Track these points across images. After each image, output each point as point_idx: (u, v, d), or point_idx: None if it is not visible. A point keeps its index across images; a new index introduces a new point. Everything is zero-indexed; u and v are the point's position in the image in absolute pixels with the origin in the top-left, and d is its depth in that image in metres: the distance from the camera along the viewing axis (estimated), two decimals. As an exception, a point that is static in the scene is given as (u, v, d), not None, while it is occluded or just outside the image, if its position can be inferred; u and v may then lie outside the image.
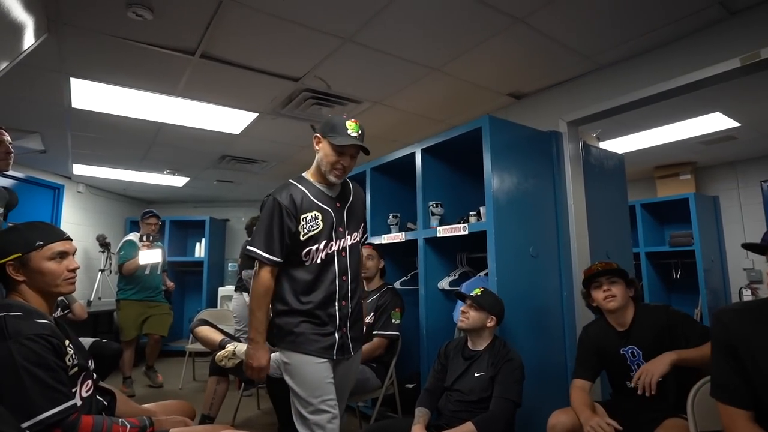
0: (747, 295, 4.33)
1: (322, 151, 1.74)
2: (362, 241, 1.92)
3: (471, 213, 2.60)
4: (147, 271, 4.17)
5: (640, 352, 1.83)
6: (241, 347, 2.77)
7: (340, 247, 1.76)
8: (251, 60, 2.55)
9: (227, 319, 4.39)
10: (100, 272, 5.27)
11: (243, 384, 3.47)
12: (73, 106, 3.10)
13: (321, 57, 2.51)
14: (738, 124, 3.57)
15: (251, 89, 2.92)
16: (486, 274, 2.54)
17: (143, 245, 4.11)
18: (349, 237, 1.79)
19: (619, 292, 1.87)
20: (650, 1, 2.05)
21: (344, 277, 1.75)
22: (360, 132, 1.72)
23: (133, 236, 4.25)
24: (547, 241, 2.57)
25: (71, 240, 1.48)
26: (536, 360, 2.33)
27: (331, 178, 1.73)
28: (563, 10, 2.09)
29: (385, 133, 3.84)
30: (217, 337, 2.98)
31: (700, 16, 2.15)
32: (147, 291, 4.19)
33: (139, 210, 6.75)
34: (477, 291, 2.07)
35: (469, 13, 2.11)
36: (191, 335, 3.21)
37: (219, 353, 2.77)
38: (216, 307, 5.76)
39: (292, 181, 1.78)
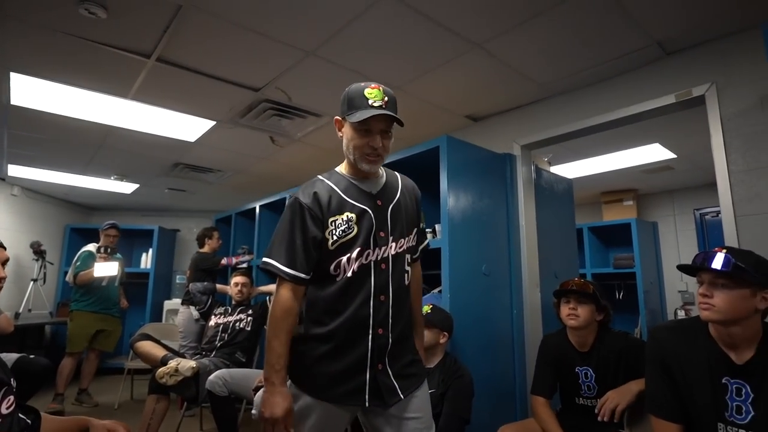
0: (681, 316, 4.61)
1: (346, 136, 1.37)
2: (416, 254, 1.50)
3: (427, 230, 2.63)
4: (104, 283, 4.00)
5: (594, 375, 1.89)
6: (185, 363, 2.65)
7: (380, 257, 1.33)
8: (211, 67, 2.50)
9: (172, 334, 4.18)
10: (32, 282, 4.90)
11: (185, 403, 3.30)
12: (12, 102, 2.91)
13: (283, 68, 2.50)
14: (675, 156, 3.85)
15: (209, 97, 2.85)
16: (440, 291, 2.56)
17: (100, 257, 3.97)
18: (393, 244, 1.36)
19: (584, 313, 1.89)
20: (597, 38, 2.19)
21: (383, 297, 1.32)
22: (386, 99, 1.32)
23: (92, 247, 4.07)
24: (499, 260, 2.64)
25: (4, 248, 1.37)
26: (486, 376, 2.36)
27: (364, 167, 1.35)
28: (519, 39, 2.20)
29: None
30: (160, 352, 2.84)
31: (641, 55, 2.32)
32: (102, 303, 4.02)
33: (82, 217, 6.42)
34: (426, 309, 2.04)
35: (431, 36, 2.17)
36: (131, 351, 3.03)
37: (160, 369, 2.63)
38: (161, 321, 5.48)
39: (320, 176, 1.43)
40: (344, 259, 1.31)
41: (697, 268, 1.31)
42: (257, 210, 4.25)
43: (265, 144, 3.74)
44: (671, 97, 2.26)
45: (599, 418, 1.70)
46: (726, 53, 2.12)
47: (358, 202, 1.36)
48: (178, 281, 6.22)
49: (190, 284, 3.75)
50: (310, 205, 1.32)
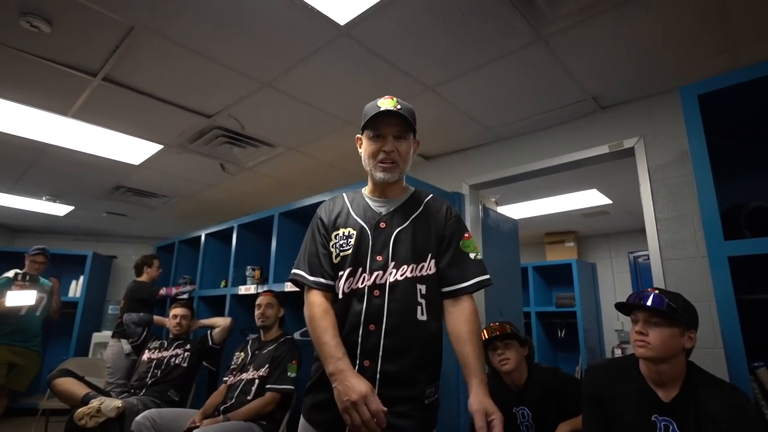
0: (618, 354, 4.82)
1: (363, 149, 1.35)
2: (457, 286, 1.30)
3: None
4: (22, 312, 3.59)
5: (530, 414, 1.92)
6: (109, 403, 2.43)
7: (374, 283, 1.25)
8: (161, 90, 2.44)
9: (98, 370, 3.85)
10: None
11: (107, 448, 3.00)
12: (-66, 113, 2.69)
13: (237, 97, 2.48)
14: (610, 201, 4.12)
15: (158, 120, 2.77)
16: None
17: (16, 285, 3.56)
18: (395, 271, 1.25)
19: (512, 354, 1.94)
20: (539, 89, 2.35)
21: (372, 327, 1.22)
22: (398, 106, 1.30)
23: (11, 273, 3.67)
24: (446, 296, 2.66)
25: None
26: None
27: (379, 175, 1.30)
28: (468, 85, 2.32)
29: (298, 179, 3.82)
30: (81, 390, 2.60)
31: (578, 107, 2.51)
32: (18, 335, 3.58)
33: (4, 239, 5.89)
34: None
35: (385, 76, 2.24)
36: (48, 388, 2.75)
37: (80, 410, 2.40)
38: (87, 355, 5.03)
39: (345, 192, 1.45)
40: (341, 276, 1.29)
41: (634, 306, 1.38)
42: (203, 238, 4.08)
43: (214, 171, 3.65)
44: (605, 147, 2.44)
45: None
46: (653, 110, 2.33)
47: (361, 220, 1.33)
48: (110, 312, 5.77)
49: (125, 314, 3.50)
50: (322, 217, 1.37)
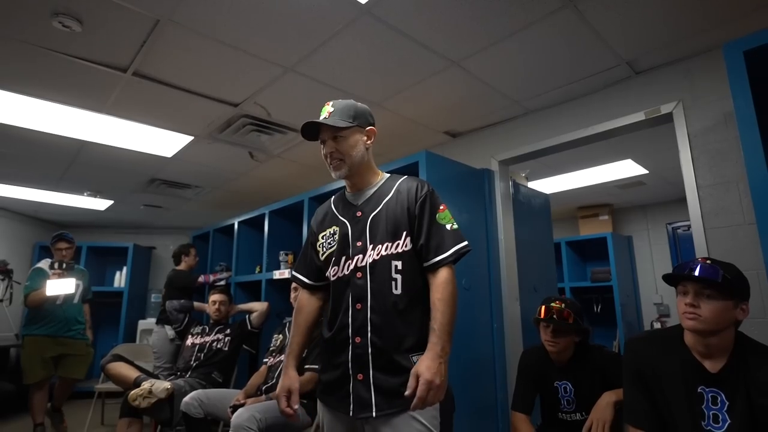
0: (657, 327, 4.70)
1: None
2: (433, 258, 1.35)
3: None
4: (59, 302, 3.53)
5: (573, 389, 1.90)
6: (159, 384, 2.56)
7: (356, 266, 1.38)
8: (189, 82, 2.48)
9: (146, 355, 4.05)
10: (-2, 303, 4.68)
11: (159, 426, 3.18)
12: (-20, 117, 2.83)
13: (262, 84, 2.50)
14: (646, 171, 3.97)
15: (187, 112, 2.82)
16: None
17: (53, 274, 3.46)
18: (372, 252, 1.37)
19: (562, 341, 1.89)
20: (568, 57, 2.26)
21: (359, 306, 1.35)
22: (331, 110, 1.44)
23: (44, 264, 3.62)
24: (479, 274, 2.65)
25: None
26: (467, 391, 2.35)
27: (334, 174, 1.46)
28: (495, 57, 2.25)
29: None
30: (133, 374, 2.75)
31: (611, 74, 2.40)
32: (58, 325, 3.51)
33: (51, 234, 6.18)
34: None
35: (409, 53, 2.21)
36: (102, 373, 2.91)
37: (133, 392, 2.54)
38: (134, 341, 5.30)
39: (335, 195, 1.60)
40: (330, 270, 1.44)
41: (684, 277, 1.32)
42: (236, 226, 4.19)
43: (244, 159, 3.71)
44: (641, 114, 2.34)
45: None
46: (692, 72, 2.21)
47: (342, 216, 1.47)
48: (153, 300, 6.04)
49: (167, 302, 3.65)
50: (312, 224, 1.56)
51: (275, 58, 2.25)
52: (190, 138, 3.24)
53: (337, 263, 1.41)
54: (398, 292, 1.34)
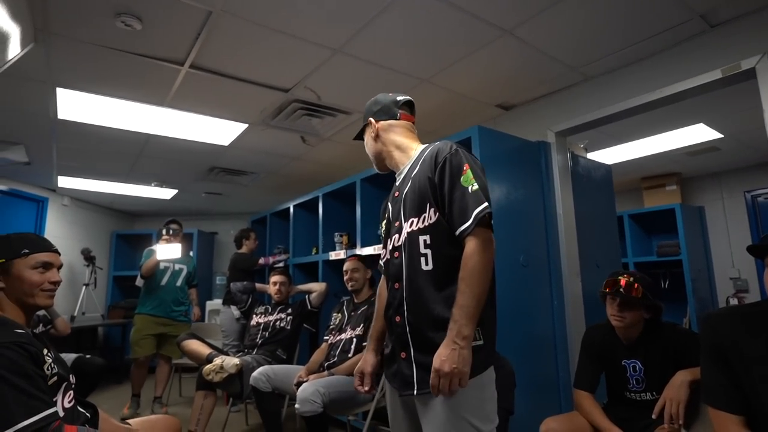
0: (734, 304, 4.38)
1: None
2: (460, 229, 1.23)
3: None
4: (163, 282, 3.82)
5: (642, 368, 1.82)
6: (229, 360, 2.73)
7: (394, 246, 1.38)
8: (241, 71, 2.55)
9: (214, 333, 4.32)
10: (84, 287, 5.16)
11: (231, 399, 3.40)
12: (59, 117, 3.07)
13: (311, 68, 2.52)
14: (721, 135, 3.64)
15: (241, 100, 2.91)
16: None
17: (162, 239, 3.81)
18: (406, 230, 1.34)
19: (630, 315, 1.80)
20: (633, 15, 2.10)
21: (396, 285, 1.35)
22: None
23: (154, 246, 3.96)
24: (537, 251, 2.58)
25: (59, 254, 1.46)
26: (528, 368, 2.32)
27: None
28: (549, 22, 2.13)
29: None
30: (205, 350, 2.94)
31: (682, 29, 2.20)
32: (163, 306, 3.80)
33: (126, 223, 6.71)
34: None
35: (458, 25, 2.14)
36: (179, 349, 3.15)
37: (206, 367, 2.73)
38: (203, 321, 5.66)
39: None
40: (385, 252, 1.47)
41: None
42: (291, 210, 4.32)
43: (296, 144, 3.80)
44: (717, 72, 2.13)
45: (667, 424, 1.58)
46: (777, 22, 1.98)
47: (389, 200, 1.50)
48: (218, 282, 6.41)
49: (231, 284, 3.86)
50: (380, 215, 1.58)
51: (323, 40, 2.25)
52: (244, 126, 3.35)
53: (385, 246, 1.45)
54: (428, 267, 1.27)
